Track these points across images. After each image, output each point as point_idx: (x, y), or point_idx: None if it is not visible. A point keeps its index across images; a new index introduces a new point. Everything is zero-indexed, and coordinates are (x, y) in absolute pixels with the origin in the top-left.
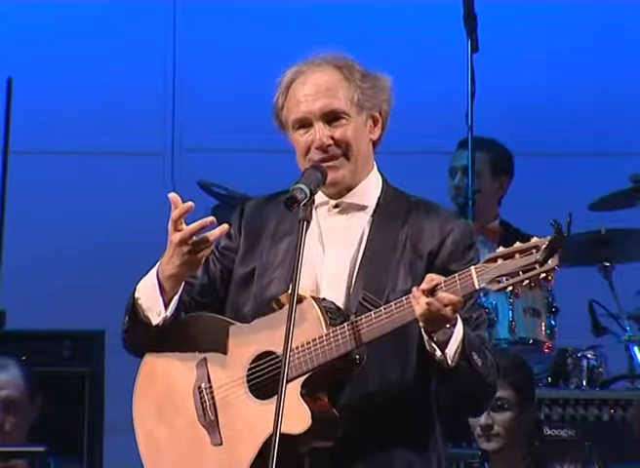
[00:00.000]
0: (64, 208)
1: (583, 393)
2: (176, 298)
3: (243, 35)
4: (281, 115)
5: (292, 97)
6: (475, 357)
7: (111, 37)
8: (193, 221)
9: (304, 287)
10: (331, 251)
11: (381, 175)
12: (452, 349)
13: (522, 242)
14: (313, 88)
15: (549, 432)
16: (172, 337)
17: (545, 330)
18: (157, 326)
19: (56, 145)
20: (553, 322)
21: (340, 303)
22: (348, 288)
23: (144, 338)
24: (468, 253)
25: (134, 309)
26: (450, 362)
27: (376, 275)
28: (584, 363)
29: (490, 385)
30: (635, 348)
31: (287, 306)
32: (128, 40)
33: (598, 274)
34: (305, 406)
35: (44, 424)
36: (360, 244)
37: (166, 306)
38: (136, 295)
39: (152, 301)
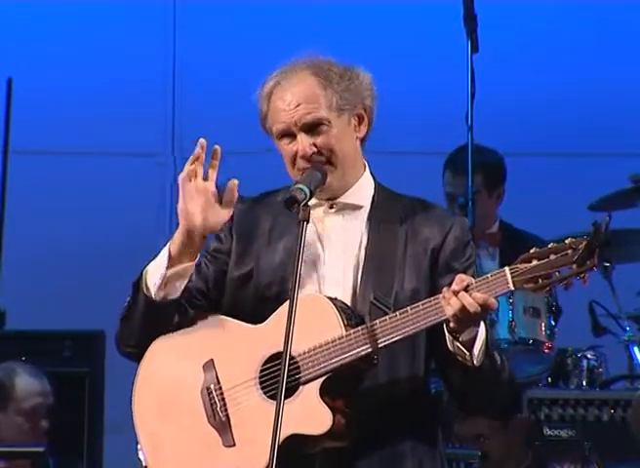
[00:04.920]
0: (64, 208)
1: (583, 393)
2: (181, 267)
3: (243, 35)
4: (265, 124)
5: (272, 108)
6: (496, 355)
7: (111, 37)
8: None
9: (307, 287)
10: (331, 251)
11: (372, 175)
12: (477, 348)
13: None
14: (292, 100)
15: (549, 432)
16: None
17: (545, 330)
18: (156, 297)
19: (56, 145)
20: (553, 322)
21: (348, 303)
22: (354, 288)
23: (142, 317)
24: (468, 249)
25: (139, 281)
26: (475, 361)
27: (382, 275)
28: (584, 363)
29: (505, 382)
30: (635, 348)
31: (300, 307)
32: (128, 40)
33: (598, 274)
34: (326, 407)
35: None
36: (360, 244)
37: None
38: (145, 270)
39: (156, 266)
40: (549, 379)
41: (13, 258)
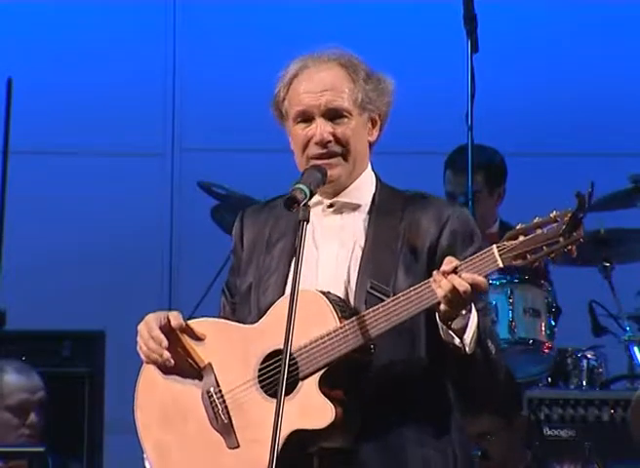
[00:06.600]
0: (64, 208)
1: (583, 393)
2: None
3: (243, 35)
4: (281, 107)
5: (295, 90)
6: (489, 344)
7: (111, 37)
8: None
9: (301, 286)
10: (325, 249)
11: (375, 173)
12: (469, 336)
13: None
14: (319, 84)
15: (549, 432)
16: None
17: (545, 330)
18: None
19: (56, 145)
20: (553, 322)
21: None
22: (349, 283)
23: None
24: (470, 242)
25: None
26: (467, 349)
27: (380, 269)
28: (584, 363)
29: (500, 374)
30: (635, 348)
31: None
32: (128, 40)
33: (598, 274)
34: (327, 400)
35: (44, 424)
36: (356, 242)
37: None
38: None
39: None
40: (549, 379)
41: (13, 258)
